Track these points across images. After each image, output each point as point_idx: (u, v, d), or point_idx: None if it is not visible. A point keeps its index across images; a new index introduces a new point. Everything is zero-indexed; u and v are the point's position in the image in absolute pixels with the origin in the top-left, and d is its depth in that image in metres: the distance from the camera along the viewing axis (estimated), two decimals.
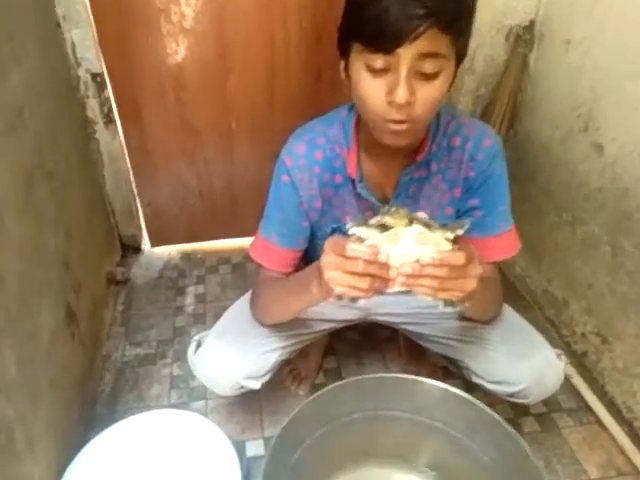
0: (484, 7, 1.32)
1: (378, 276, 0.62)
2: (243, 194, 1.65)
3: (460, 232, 0.61)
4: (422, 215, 0.63)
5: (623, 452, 1.10)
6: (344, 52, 0.73)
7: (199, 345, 0.96)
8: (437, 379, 0.94)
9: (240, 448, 1.07)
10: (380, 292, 0.64)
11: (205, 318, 1.44)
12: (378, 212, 0.75)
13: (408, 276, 0.61)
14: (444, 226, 0.63)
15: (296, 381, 1.23)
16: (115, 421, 1.03)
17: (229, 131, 1.52)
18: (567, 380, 1.25)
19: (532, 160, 1.41)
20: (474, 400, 0.90)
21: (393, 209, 0.62)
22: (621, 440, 1.11)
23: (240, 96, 1.46)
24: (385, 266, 0.61)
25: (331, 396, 0.91)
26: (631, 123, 1.06)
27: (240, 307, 1.00)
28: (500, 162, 0.86)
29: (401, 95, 0.66)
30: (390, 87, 0.67)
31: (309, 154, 0.86)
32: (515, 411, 1.18)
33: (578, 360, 1.29)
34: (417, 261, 0.61)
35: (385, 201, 0.88)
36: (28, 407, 0.83)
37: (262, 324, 0.94)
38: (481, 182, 0.86)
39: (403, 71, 0.65)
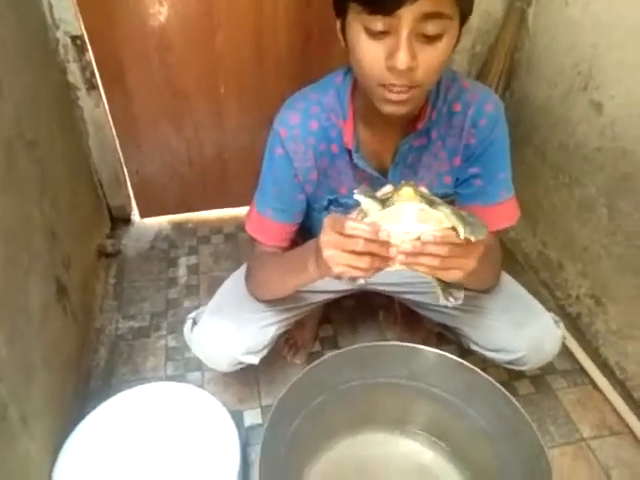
0: None
1: (378, 255, 0.59)
2: (234, 161, 1.61)
3: (480, 237, 0.57)
4: (425, 190, 0.60)
5: (616, 412, 1.12)
6: (340, 12, 0.68)
7: (195, 323, 0.95)
8: (431, 345, 0.94)
9: (238, 418, 1.07)
10: (379, 270, 0.62)
11: (198, 289, 1.42)
12: (375, 182, 0.71)
13: (408, 254, 0.58)
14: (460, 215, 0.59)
15: (292, 350, 1.23)
16: (111, 395, 1.02)
17: (217, 95, 1.47)
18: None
19: (529, 121, 1.38)
20: (470, 365, 0.90)
21: (403, 183, 0.59)
22: (614, 400, 1.13)
23: (228, 58, 1.40)
24: (385, 244, 0.59)
25: (328, 365, 0.90)
26: (631, 82, 1.03)
27: (234, 282, 0.99)
28: (502, 128, 0.83)
29: (402, 60, 0.61)
30: (390, 51, 0.63)
31: (303, 124, 0.82)
32: (510, 374, 1.19)
33: (572, 322, 1.30)
34: (418, 239, 0.58)
35: (382, 171, 0.85)
36: (22, 385, 0.81)
37: (258, 300, 0.93)
38: (482, 150, 0.82)
39: (404, 33, 0.61)
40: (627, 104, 1.05)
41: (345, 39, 0.70)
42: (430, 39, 0.62)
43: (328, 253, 0.61)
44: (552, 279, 1.39)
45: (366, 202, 0.59)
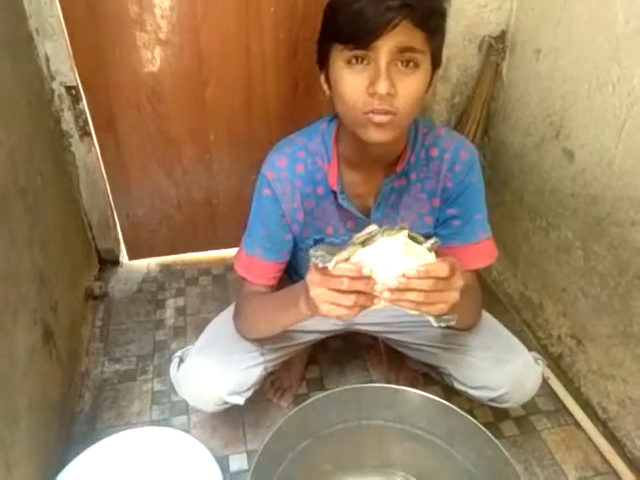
0: (458, 17, 1.35)
1: (363, 292, 0.62)
2: (222, 205, 1.65)
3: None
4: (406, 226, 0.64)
5: (599, 452, 1.13)
6: (323, 61, 0.77)
7: (182, 361, 0.96)
8: (417, 386, 0.96)
9: (223, 463, 1.07)
10: (365, 308, 0.64)
11: (186, 331, 1.43)
12: (359, 222, 0.74)
13: (393, 291, 0.61)
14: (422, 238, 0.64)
15: (278, 393, 1.23)
16: (95, 440, 1.02)
17: (207, 142, 1.52)
18: (544, 382, 1.27)
19: (506, 166, 1.44)
20: (454, 407, 0.91)
21: (388, 227, 0.63)
22: (597, 440, 1.14)
23: (218, 107, 1.46)
24: (370, 281, 0.61)
25: (313, 408, 0.91)
26: (598, 132, 1.10)
27: (222, 321, 1.00)
28: (477, 172, 0.89)
29: (382, 85, 0.68)
30: (371, 80, 0.69)
31: (290, 167, 0.87)
32: (495, 415, 1.21)
33: (555, 362, 1.32)
34: (403, 275, 0.61)
35: (366, 211, 0.89)
36: (6, 430, 0.81)
37: (246, 338, 0.94)
38: (459, 192, 0.88)
39: (383, 62, 0.68)
40: (595, 153, 1.11)
41: (329, 86, 0.77)
42: (406, 72, 0.70)
43: (314, 292, 0.63)
44: (534, 319, 1.41)
45: (341, 255, 0.62)
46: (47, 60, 1.29)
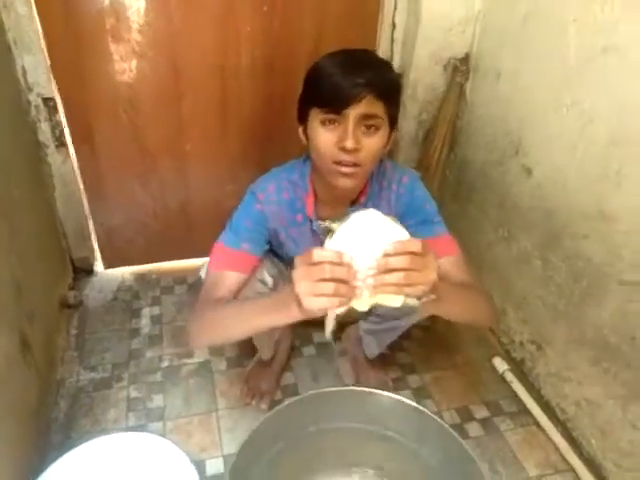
0: (425, 40, 1.43)
1: (344, 281, 0.65)
2: (198, 213, 1.67)
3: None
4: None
5: (558, 451, 1.19)
6: (303, 118, 0.95)
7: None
8: (388, 390, 1.00)
9: (200, 467, 1.09)
10: (346, 302, 0.66)
11: (162, 339, 1.45)
12: None
13: (374, 275, 0.65)
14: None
15: (257, 396, 1.26)
16: (71, 448, 1.03)
17: (183, 153, 1.55)
18: (508, 385, 1.35)
19: (470, 181, 1.52)
20: (423, 409, 0.96)
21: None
22: (556, 440, 1.21)
23: (194, 120, 1.50)
24: (351, 271, 0.65)
25: (288, 411, 0.95)
26: (551, 151, 1.18)
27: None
28: (419, 189, 1.07)
29: (350, 141, 0.86)
30: (340, 137, 0.87)
31: (278, 193, 1.04)
32: (461, 417, 1.27)
33: (517, 366, 1.39)
34: (382, 255, 0.65)
35: None
36: None
37: (195, 345, 0.99)
38: (407, 207, 1.06)
39: (350, 125, 0.86)
40: (551, 170, 1.19)
41: (306, 137, 0.96)
42: (368, 132, 0.89)
43: (299, 287, 0.66)
44: (497, 325, 1.49)
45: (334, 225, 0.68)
46: (24, 72, 1.30)
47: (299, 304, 0.69)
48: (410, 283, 0.65)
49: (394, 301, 0.68)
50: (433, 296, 0.70)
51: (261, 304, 0.85)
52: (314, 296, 0.65)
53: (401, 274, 0.64)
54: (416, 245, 0.65)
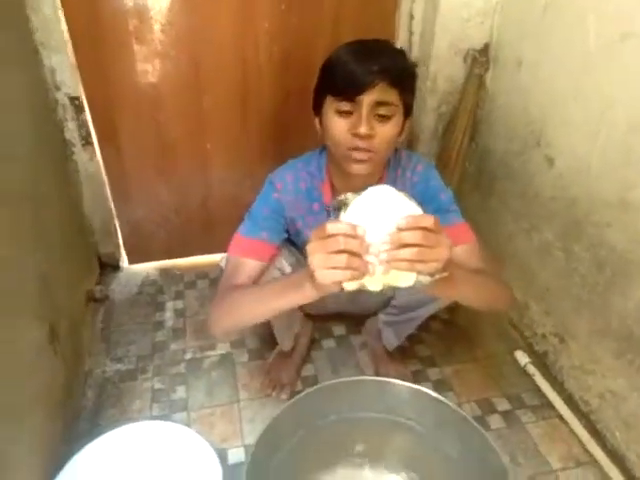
0: (443, 32, 1.43)
1: (358, 254, 0.64)
2: (218, 210, 1.70)
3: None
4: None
5: (581, 443, 1.18)
6: (318, 109, 0.97)
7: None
8: (407, 382, 1.00)
9: (222, 456, 1.11)
10: (360, 275, 0.65)
11: (185, 332, 1.47)
12: None
13: (387, 250, 0.63)
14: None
15: (277, 388, 1.27)
16: (99, 436, 1.06)
17: (204, 151, 1.58)
18: (530, 378, 1.34)
19: (491, 171, 1.51)
20: (443, 399, 0.96)
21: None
22: (579, 432, 1.19)
23: (214, 116, 1.52)
24: (364, 244, 0.64)
25: (307, 400, 0.96)
26: (573, 140, 1.16)
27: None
28: (434, 177, 1.08)
29: (364, 127, 0.88)
30: (355, 124, 0.89)
31: (296, 182, 1.06)
32: (482, 409, 1.26)
33: (540, 359, 1.38)
34: (396, 229, 0.64)
35: None
36: (14, 427, 0.85)
37: (216, 332, 0.99)
38: (422, 196, 1.02)
39: (364, 112, 0.88)
40: (573, 159, 1.17)
41: (322, 127, 0.97)
42: (382, 119, 0.90)
43: (312, 260, 0.66)
44: (520, 319, 1.47)
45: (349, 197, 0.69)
46: (52, 72, 1.34)
47: (313, 281, 0.69)
48: (423, 259, 0.64)
49: (406, 279, 0.67)
50: (445, 273, 0.68)
51: (277, 286, 0.87)
52: (327, 269, 0.64)
53: (414, 249, 0.63)
54: (429, 220, 0.64)
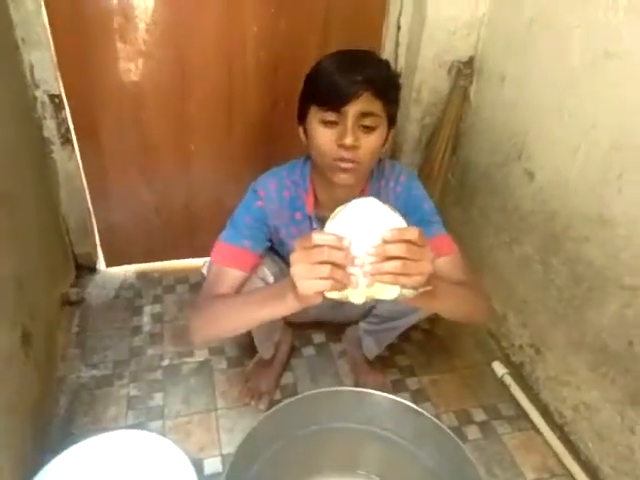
0: (429, 44, 1.44)
1: (341, 265, 0.64)
2: (200, 213, 1.68)
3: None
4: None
5: (556, 455, 1.20)
6: (302, 118, 0.96)
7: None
8: (386, 391, 1.01)
9: (198, 466, 1.10)
10: (342, 287, 0.65)
11: (163, 337, 1.45)
12: None
13: (372, 263, 0.64)
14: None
15: (256, 397, 1.26)
16: (71, 444, 1.03)
17: (188, 152, 1.56)
18: (507, 389, 1.35)
19: (473, 184, 1.52)
20: (421, 410, 0.96)
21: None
22: (554, 444, 1.21)
23: (198, 118, 1.51)
24: (349, 256, 0.64)
25: (286, 411, 0.95)
26: (553, 155, 1.19)
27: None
28: (416, 187, 1.08)
29: (349, 138, 0.87)
30: (340, 134, 0.89)
31: (279, 191, 1.05)
32: (459, 420, 1.27)
33: (516, 370, 1.39)
34: (381, 241, 0.64)
35: None
36: None
37: (195, 341, 0.98)
38: (405, 206, 1.04)
39: (349, 123, 0.88)
40: (552, 173, 1.19)
41: (306, 136, 0.96)
42: (367, 130, 0.90)
43: (295, 269, 0.65)
44: (498, 329, 1.49)
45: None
46: (31, 68, 1.31)
47: (295, 292, 0.68)
48: (407, 273, 0.64)
49: (390, 292, 0.67)
50: (429, 287, 0.69)
51: (259, 297, 0.86)
52: (309, 279, 0.64)
53: (398, 263, 0.63)
54: (413, 234, 0.64)
